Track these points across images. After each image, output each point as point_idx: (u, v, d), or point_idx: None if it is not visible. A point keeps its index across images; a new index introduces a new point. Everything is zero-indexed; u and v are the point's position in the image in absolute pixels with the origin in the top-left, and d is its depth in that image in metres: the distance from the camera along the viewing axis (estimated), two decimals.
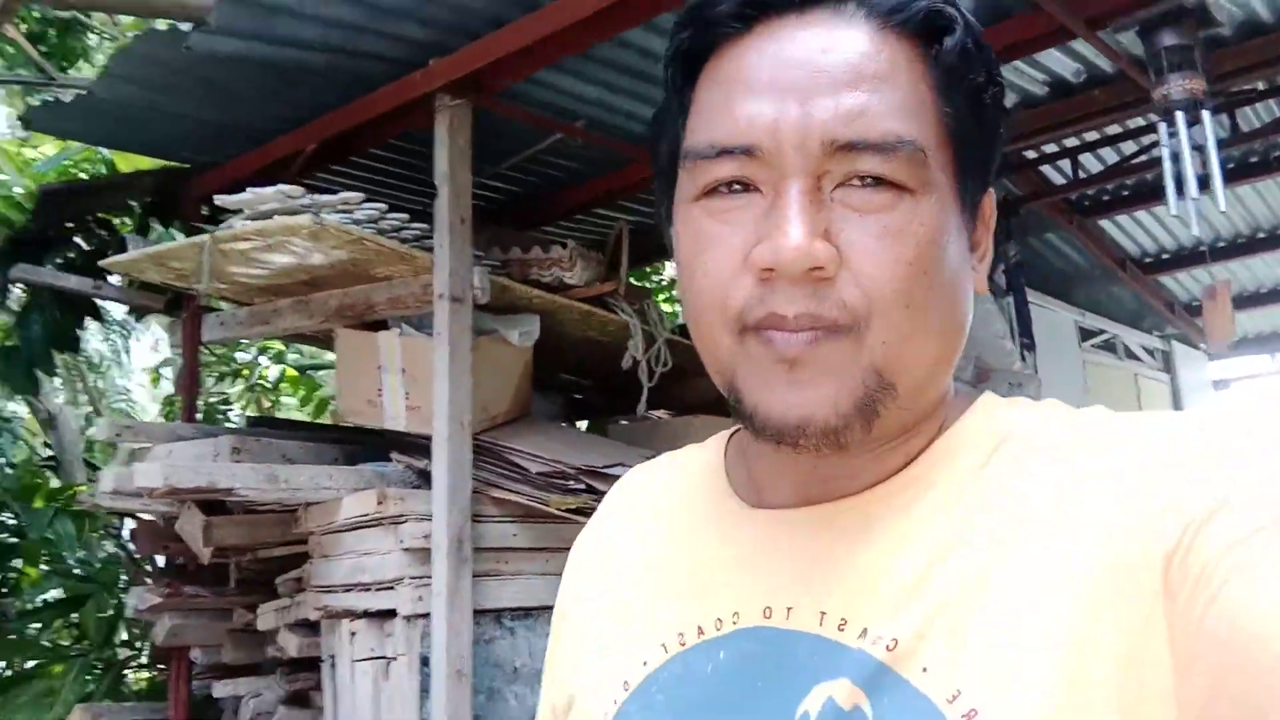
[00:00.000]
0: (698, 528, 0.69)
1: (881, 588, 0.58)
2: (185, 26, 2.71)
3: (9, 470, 4.40)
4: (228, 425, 5.43)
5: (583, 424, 4.79)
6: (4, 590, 4.73)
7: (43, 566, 4.86)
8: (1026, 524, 0.56)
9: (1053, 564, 0.54)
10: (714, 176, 0.59)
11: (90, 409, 6.94)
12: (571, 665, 0.72)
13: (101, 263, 3.32)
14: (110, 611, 4.49)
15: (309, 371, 6.50)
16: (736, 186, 0.59)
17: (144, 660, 4.59)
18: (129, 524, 4.99)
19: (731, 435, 0.73)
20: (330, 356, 6.38)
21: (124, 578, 4.64)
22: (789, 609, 0.60)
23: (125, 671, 4.66)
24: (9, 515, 4.80)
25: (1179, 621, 0.50)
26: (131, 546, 4.94)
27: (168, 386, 6.98)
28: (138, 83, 3.03)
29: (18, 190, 3.77)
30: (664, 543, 0.70)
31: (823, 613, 0.59)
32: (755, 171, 0.58)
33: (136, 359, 7.96)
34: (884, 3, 0.59)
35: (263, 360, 6.50)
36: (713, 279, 0.59)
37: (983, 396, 0.65)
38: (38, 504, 4.90)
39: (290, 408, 6.49)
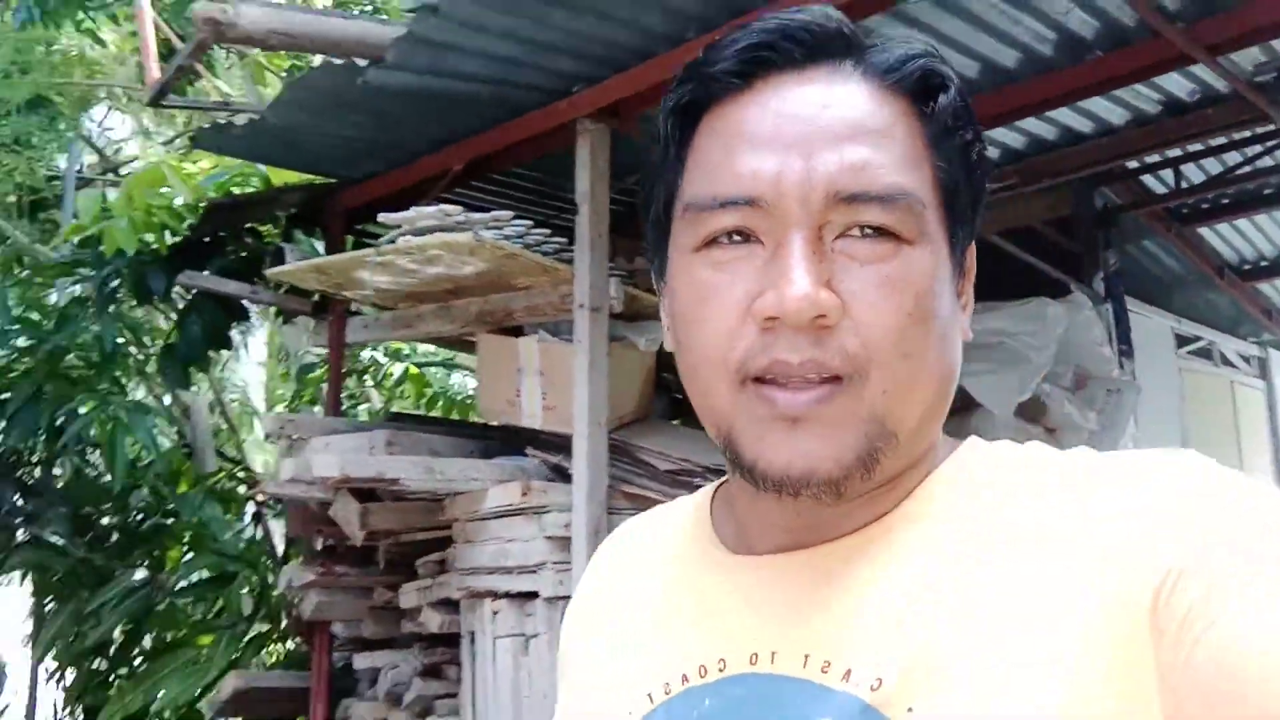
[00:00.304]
0: (685, 577, 0.69)
1: (864, 627, 0.58)
2: (360, 60, 2.99)
3: (158, 458, 4.80)
4: (363, 420, 5.80)
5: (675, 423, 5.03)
6: (156, 568, 5.15)
7: (186, 546, 5.28)
8: (1012, 560, 0.57)
9: (1038, 599, 0.55)
10: (715, 227, 0.60)
11: (213, 399, 7.40)
12: (570, 713, 0.73)
13: (268, 272, 3.66)
14: (254, 588, 4.87)
15: (424, 369, 6.87)
16: (737, 237, 0.60)
17: (283, 633, 4.97)
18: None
19: (718, 487, 0.73)
20: (446, 355, 6.72)
21: (266, 558, 5.03)
22: (774, 654, 0.60)
23: (266, 644, 5.04)
24: (158, 499, 5.22)
25: (1167, 658, 0.51)
26: (272, 529, 5.35)
27: (285, 380, 7.40)
28: (307, 110, 3.35)
29: (179, 202, 4.12)
30: (653, 592, 0.70)
31: (806, 655, 0.59)
32: (757, 222, 0.59)
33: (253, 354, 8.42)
34: (881, 62, 0.61)
35: (383, 359, 6.87)
36: (714, 329, 0.59)
37: (969, 439, 0.67)
38: (182, 489, 5.32)
39: (406, 404, 6.85)
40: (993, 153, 3.89)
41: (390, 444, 3.37)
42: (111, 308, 4.58)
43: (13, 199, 5.68)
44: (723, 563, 0.67)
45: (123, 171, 6.52)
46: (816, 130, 0.58)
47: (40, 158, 5.63)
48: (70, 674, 5.32)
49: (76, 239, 4.53)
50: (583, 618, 0.77)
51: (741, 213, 0.59)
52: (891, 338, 0.58)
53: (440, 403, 6.74)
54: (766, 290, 0.57)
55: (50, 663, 5.38)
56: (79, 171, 6.19)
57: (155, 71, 4.21)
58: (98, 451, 4.96)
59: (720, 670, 0.61)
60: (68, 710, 5.35)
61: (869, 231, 0.58)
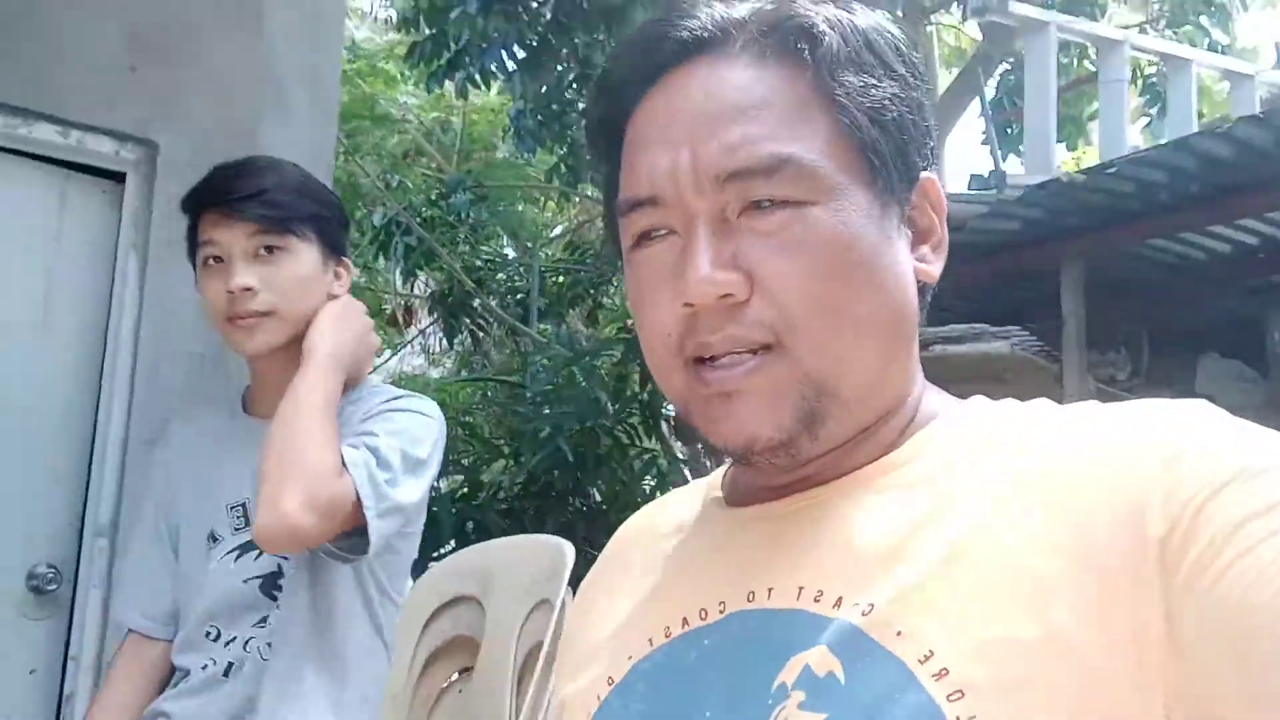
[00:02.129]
0: (691, 534, 0.72)
1: (858, 559, 0.59)
2: None
3: None
4: None
5: None
6: None
7: None
8: (1011, 496, 0.56)
9: (1035, 530, 0.54)
10: (637, 229, 0.64)
11: None
12: (564, 682, 0.74)
13: None
14: None
15: None
16: (656, 235, 0.63)
17: None
18: None
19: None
20: None
21: None
22: (770, 590, 0.61)
23: None
24: None
25: (1179, 593, 0.49)
26: None
27: None
28: None
29: None
30: (660, 554, 0.73)
31: (800, 587, 0.60)
32: (666, 217, 0.62)
33: None
34: (757, 31, 0.62)
35: None
36: (655, 320, 0.63)
37: (974, 398, 0.67)
38: None
39: None
40: None
41: None
42: None
43: None
44: (723, 516, 0.70)
45: None
46: (697, 119, 0.61)
47: None
48: None
49: None
50: (590, 595, 0.79)
51: (650, 211, 0.63)
52: (806, 299, 0.59)
53: None
54: (679, 279, 0.61)
55: None
56: None
57: None
58: None
59: (721, 611, 0.63)
60: None
61: (765, 204, 0.60)
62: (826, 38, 0.62)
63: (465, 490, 4.71)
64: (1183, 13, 8.43)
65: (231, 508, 1.48)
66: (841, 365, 0.60)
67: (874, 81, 0.62)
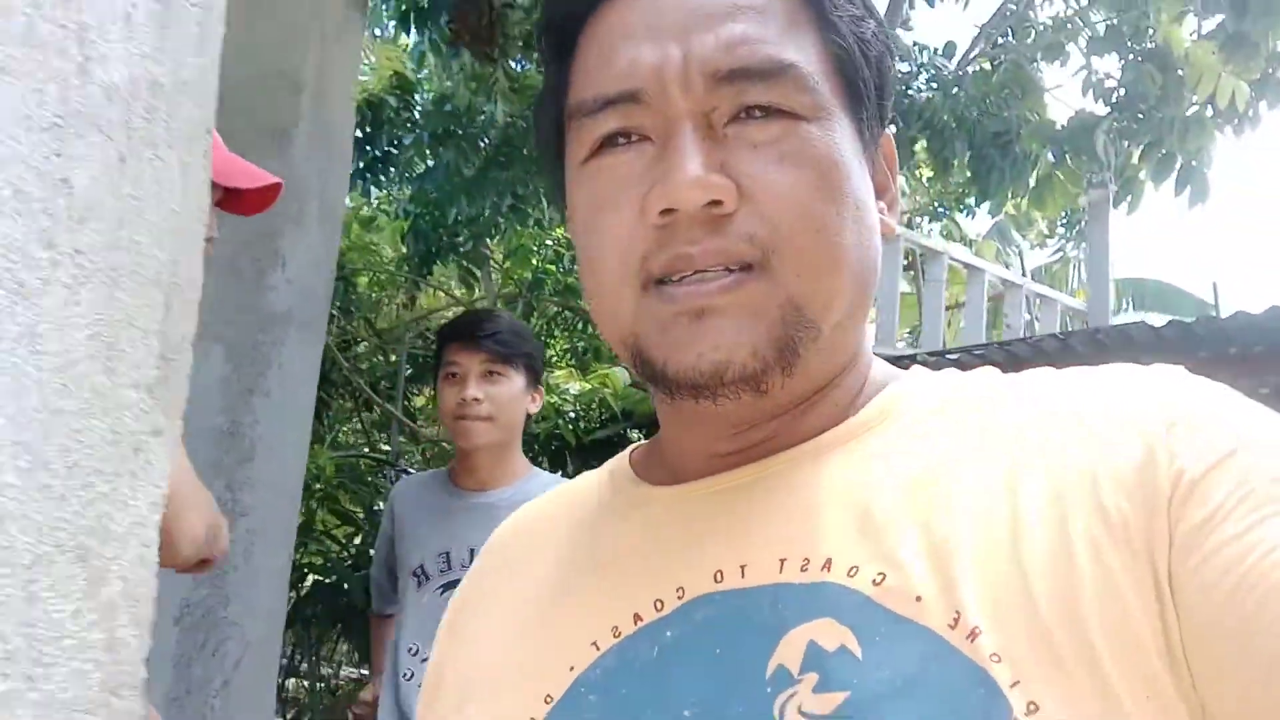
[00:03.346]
0: (611, 524, 0.64)
1: (846, 523, 0.53)
2: None
3: None
4: None
5: None
6: None
7: None
8: (1002, 451, 0.53)
9: (1040, 486, 0.51)
10: (602, 130, 0.57)
11: None
12: (447, 715, 0.64)
13: None
14: None
15: None
16: (622, 140, 0.57)
17: None
18: None
19: (632, 450, 0.69)
20: None
21: None
22: (743, 566, 0.54)
23: None
24: None
25: (1180, 558, 0.47)
26: None
27: None
28: None
29: None
30: (571, 550, 0.64)
31: (782, 559, 0.53)
32: (643, 118, 0.56)
33: None
34: None
35: None
36: (612, 236, 0.56)
37: (915, 367, 0.65)
38: None
39: None
40: None
41: None
42: None
43: None
44: (657, 497, 0.62)
45: None
46: (691, 14, 0.56)
47: None
48: None
49: None
50: (463, 616, 0.69)
51: (626, 110, 0.56)
52: (797, 214, 0.54)
53: None
54: (657, 184, 0.54)
55: None
56: None
57: None
58: None
59: (679, 598, 0.56)
60: None
61: (758, 112, 0.55)
62: None
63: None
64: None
65: (439, 555, 2.11)
66: (824, 294, 0.55)
67: (861, 14, 0.60)
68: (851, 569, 0.51)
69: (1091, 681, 0.46)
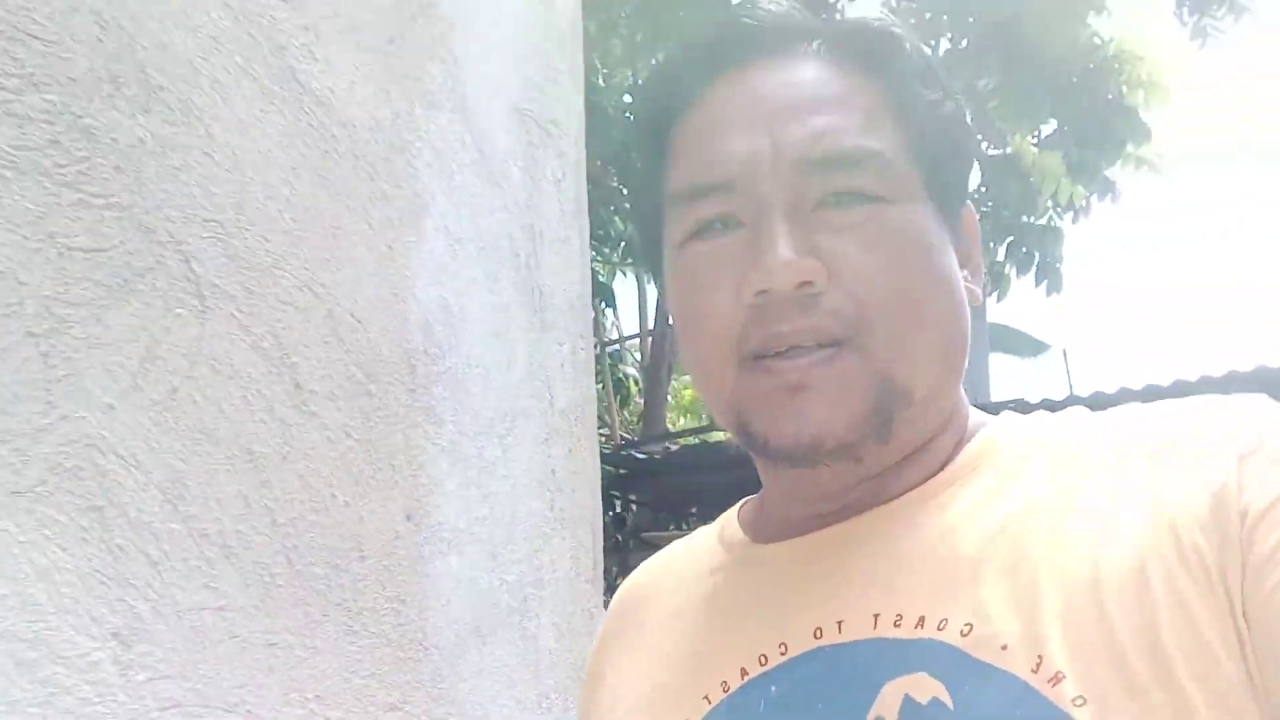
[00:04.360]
0: (723, 581, 0.68)
1: (936, 577, 0.56)
2: None
3: None
4: None
5: None
6: None
7: None
8: (1084, 492, 0.56)
9: (1120, 530, 0.53)
10: (698, 218, 0.61)
11: None
12: None
13: None
14: None
15: None
16: (719, 226, 0.61)
17: None
18: None
19: (741, 507, 0.73)
20: None
21: None
22: (839, 622, 0.58)
23: None
24: None
25: (1254, 584, 0.49)
26: None
27: None
28: None
29: None
30: (687, 607, 0.68)
31: (876, 615, 0.56)
32: (736, 206, 0.60)
33: None
34: (833, 39, 0.63)
35: None
36: (710, 317, 0.60)
37: (1004, 413, 0.66)
38: None
39: None
40: None
41: None
42: None
43: None
44: (763, 555, 0.66)
45: None
46: (779, 107, 0.60)
47: None
48: None
49: None
50: (601, 668, 0.74)
51: (720, 199, 0.61)
52: (883, 292, 0.58)
53: None
54: (750, 268, 0.58)
55: None
56: None
57: None
58: None
59: (782, 654, 0.59)
60: None
61: (845, 198, 0.59)
62: (906, 46, 0.63)
63: None
64: None
65: None
66: (914, 364, 0.59)
67: (938, 99, 0.63)
68: (941, 622, 0.54)
69: (1177, 716, 0.47)
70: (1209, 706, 0.48)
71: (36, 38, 0.80)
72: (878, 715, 0.53)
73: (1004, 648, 0.52)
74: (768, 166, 0.59)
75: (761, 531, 0.68)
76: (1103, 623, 0.50)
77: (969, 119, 0.66)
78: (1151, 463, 0.55)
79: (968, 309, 0.63)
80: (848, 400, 0.57)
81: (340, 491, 1.01)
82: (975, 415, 0.66)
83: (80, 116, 0.82)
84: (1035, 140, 7.09)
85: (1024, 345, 12.45)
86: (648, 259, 0.70)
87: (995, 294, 7.22)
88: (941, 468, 0.62)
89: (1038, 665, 0.50)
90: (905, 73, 0.63)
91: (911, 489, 0.61)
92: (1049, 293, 6.82)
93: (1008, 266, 7.04)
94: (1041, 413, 0.65)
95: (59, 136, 0.81)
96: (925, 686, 0.52)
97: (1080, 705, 0.49)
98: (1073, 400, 5.92)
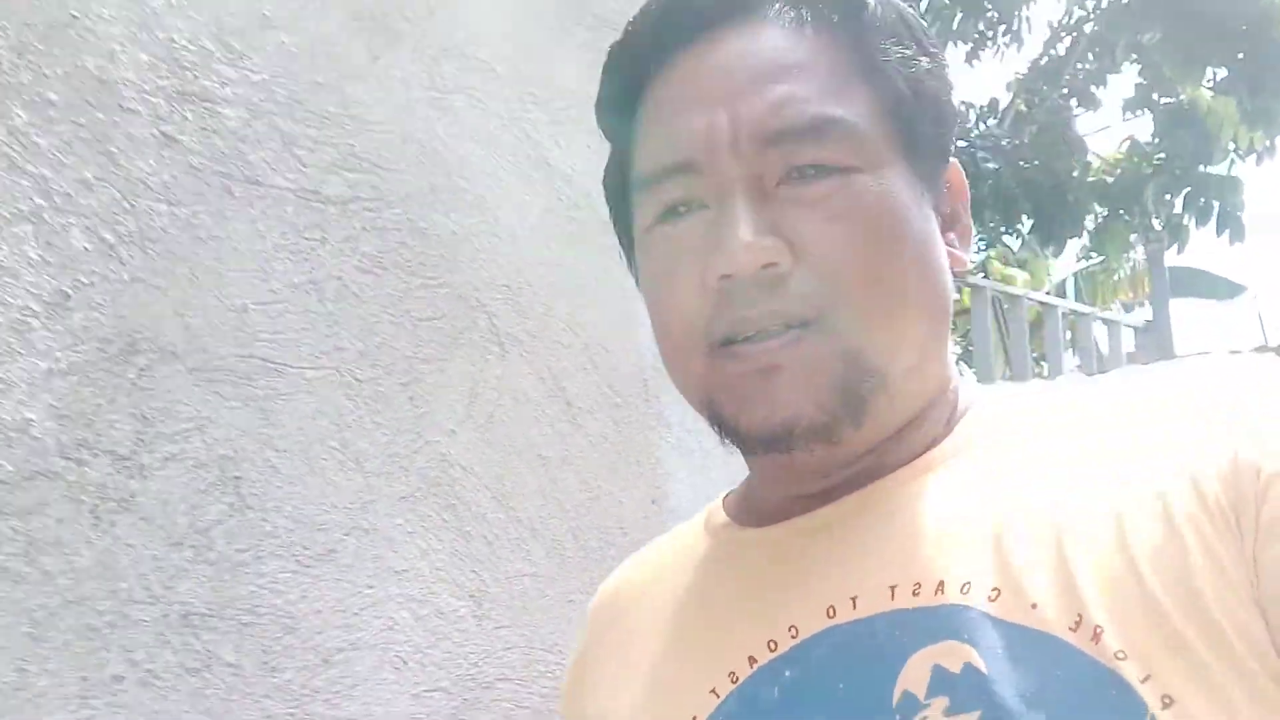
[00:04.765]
0: (712, 570, 0.65)
1: (951, 544, 0.54)
2: None
3: None
4: None
5: None
6: None
7: None
8: (1096, 448, 0.54)
9: (1137, 476, 0.52)
10: (661, 201, 0.59)
11: None
12: None
13: None
14: None
15: None
16: (682, 209, 0.59)
17: None
18: None
19: (724, 498, 0.70)
20: None
21: None
22: (854, 598, 0.55)
23: None
24: None
25: (1264, 543, 0.47)
26: None
27: None
28: None
29: None
30: (676, 604, 0.66)
31: (893, 586, 0.54)
32: (698, 187, 0.58)
33: None
34: (793, 2, 0.59)
35: None
36: (678, 303, 0.58)
37: (999, 384, 0.65)
38: None
39: None
40: None
41: None
42: None
43: None
44: (756, 539, 0.64)
45: None
46: (735, 80, 0.57)
47: None
48: None
49: None
50: (583, 671, 0.72)
51: (681, 180, 0.58)
52: (851, 269, 0.55)
53: None
54: (713, 251, 0.56)
55: None
56: None
57: None
58: None
59: (793, 637, 0.56)
60: None
61: (809, 171, 0.56)
62: (870, 4, 0.60)
63: None
64: None
65: None
66: (887, 343, 0.57)
67: (912, 54, 0.60)
68: (964, 586, 0.52)
69: (1223, 663, 0.46)
70: (1251, 656, 0.46)
71: (381, 167, 1.11)
72: (905, 689, 0.51)
73: (1034, 606, 0.50)
74: (727, 144, 0.57)
75: (750, 518, 0.66)
76: (1136, 577, 0.48)
77: (948, 73, 0.63)
78: (1166, 420, 0.54)
79: (949, 277, 0.61)
80: (817, 382, 0.56)
81: (604, 484, 1.29)
82: (969, 387, 0.64)
83: (415, 221, 1.13)
84: (1210, 85, 6.83)
85: (1219, 288, 11.87)
86: (622, 244, 0.68)
87: (1175, 246, 7.00)
88: (936, 441, 0.60)
89: (1077, 623, 0.48)
90: (874, 29, 0.60)
91: (905, 464, 0.60)
92: (1231, 241, 6.58)
93: (1186, 217, 6.84)
94: (1036, 380, 0.65)
95: (406, 240, 1.12)
96: (956, 653, 0.50)
97: (1123, 659, 0.47)
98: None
